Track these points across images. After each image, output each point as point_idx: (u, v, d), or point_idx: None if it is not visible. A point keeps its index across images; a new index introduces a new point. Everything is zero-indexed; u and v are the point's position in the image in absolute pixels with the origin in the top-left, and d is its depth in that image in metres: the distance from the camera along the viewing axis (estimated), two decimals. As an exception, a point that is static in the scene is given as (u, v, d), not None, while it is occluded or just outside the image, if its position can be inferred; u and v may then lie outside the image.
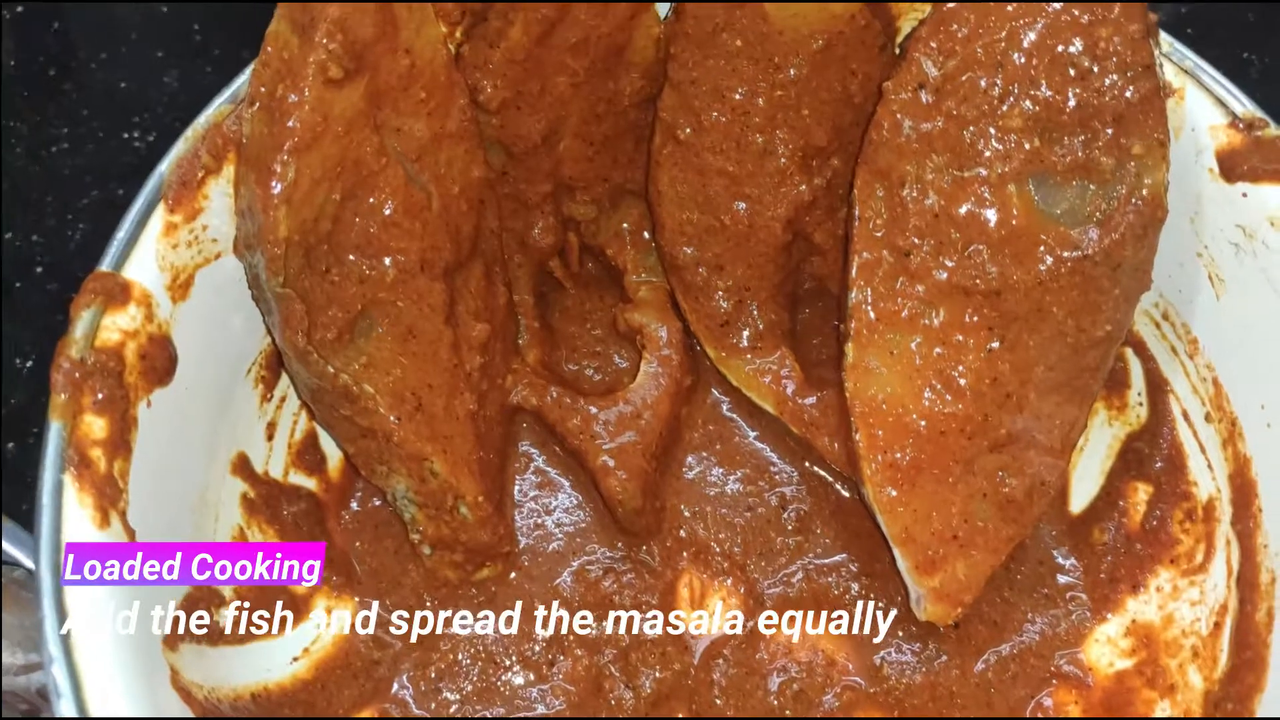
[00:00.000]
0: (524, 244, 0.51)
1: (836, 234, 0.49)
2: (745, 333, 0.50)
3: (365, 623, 0.47)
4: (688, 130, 0.46)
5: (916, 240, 0.44)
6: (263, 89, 0.39)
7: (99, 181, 0.60)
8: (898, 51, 0.46)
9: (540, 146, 0.47)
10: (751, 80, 0.45)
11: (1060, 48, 0.40)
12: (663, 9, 0.46)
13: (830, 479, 0.50)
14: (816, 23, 0.44)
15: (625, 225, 0.52)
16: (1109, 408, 0.50)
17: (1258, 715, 0.39)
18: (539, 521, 0.50)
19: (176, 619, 0.39)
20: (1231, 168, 0.41)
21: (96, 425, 0.35)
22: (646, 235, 0.52)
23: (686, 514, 0.50)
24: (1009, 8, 0.40)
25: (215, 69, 0.62)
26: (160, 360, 0.38)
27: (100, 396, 0.35)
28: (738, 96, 0.45)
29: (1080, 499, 0.50)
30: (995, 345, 0.44)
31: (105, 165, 0.60)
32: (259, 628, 0.44)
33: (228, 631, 0.42)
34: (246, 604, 0.44)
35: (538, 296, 0.52)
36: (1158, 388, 0.48)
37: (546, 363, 0.52)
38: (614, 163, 0.50)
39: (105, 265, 0.37)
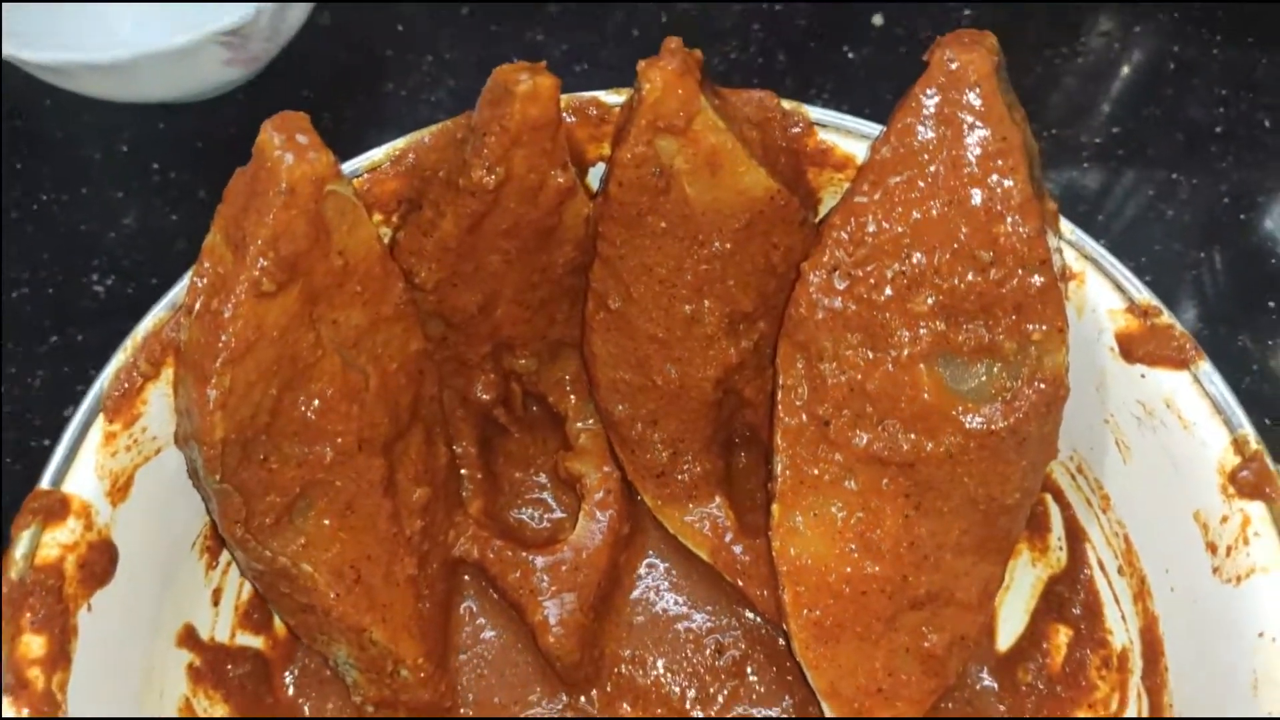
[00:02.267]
0: (466, 400, 0.52)
1: (766, 389, 0.51)
2: (681, 482, 0.52)
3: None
4: (617, 301, 0.48)
5: (834, 410, 0.45)
6: (199, 300, 0.40)
7: (58, 326, 0.61)
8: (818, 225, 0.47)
9: (478, 315, 0.49)
10: (677, 256, 0.47)
11: (961, 242, 0.41)
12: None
13: (765, 626, 0.52)
14: (738, 204, 0.45)
15: (566, 375, 0.54)
16: (1032, 549, 0.52)
17: None
18: (481, 673, 0.51)
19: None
20: (1130, 350, 0.43)
21: (35, 644, 0.36)
22: (585, 384, 0.53)
23: (626, 657, 0.52)
24: (912, 205, 0.42)
25: (173, 208, 0.64)
26: (100, 565, 0.40)
27: (40, 615, 0.37)
28: (664, 271, 0.47)
29: (1007, 636, 0.51)
30: (912, 512, 0.46)
31: (65, 309, 0.62)
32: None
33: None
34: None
35: (481, 445, 0.54)
36: (1075, 535, 0.50)
37: (490, 511, 0.53)
38: (551, 322, 0.51)
39: (45, 482, 0.39)
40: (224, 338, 0.39)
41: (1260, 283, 0.63)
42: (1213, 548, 0.41)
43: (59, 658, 0.37)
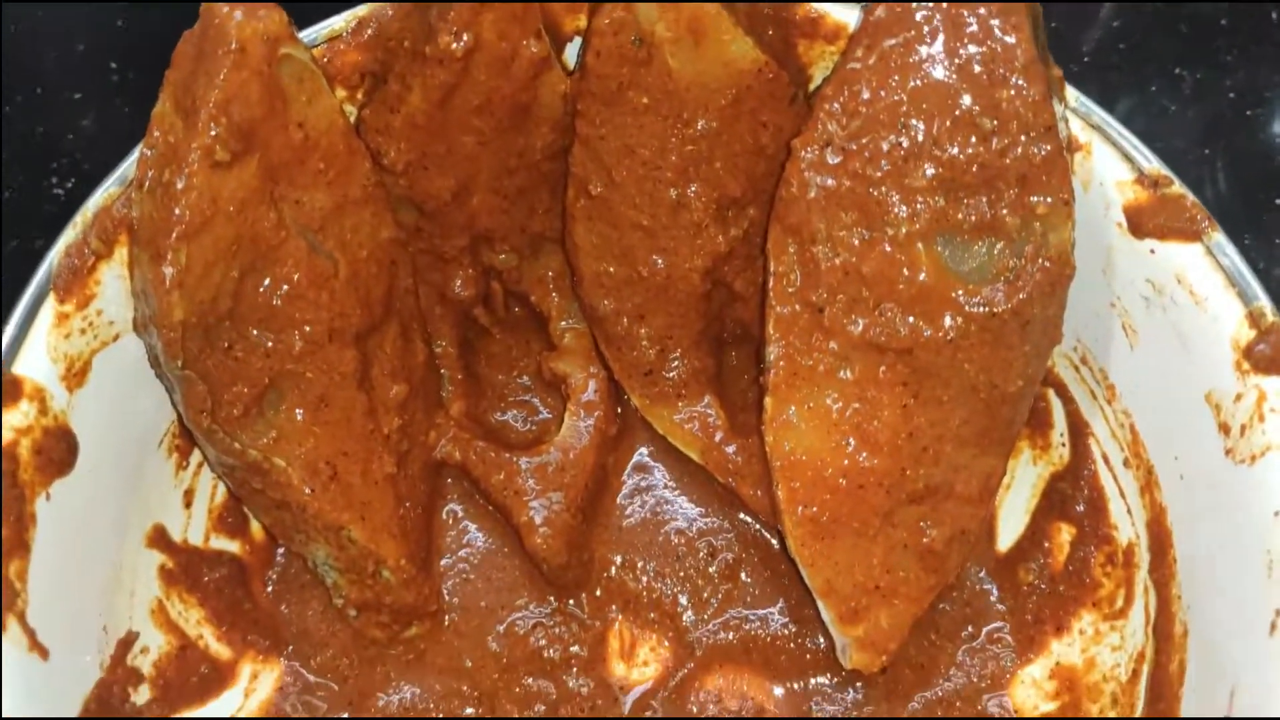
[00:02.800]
0: (444, 297, 0.50)
1: (757, 281, 0.49)
2: (669, 381, 0.50)
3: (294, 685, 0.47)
4: (599, 186, 0.46)
5: (829, 296, 0.43)
6: (150, 173, 0.38)
7: (19, 230, 0.59)
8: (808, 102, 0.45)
9: (452, 203, 0.47)
10: (661, 136, 0.44)
11: (961, 109, 0.39)
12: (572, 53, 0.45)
13: (758, 527, 0.50)
14: (723, 78, 0.43)
15: (549, 272, 0.51)
16: (1033, 446, 0.50)
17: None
18: (467, 578, 0.49)
19: (86, 707, 0.38)
20: (1139, 224, 0.41)
21: (-13, 531, 0.35)
22: (569, 281, 0.51)
23: (616, 563, 0.50)
24: (910, 70, 0.39)
25: (133, 108, 0.61)
26: (58, 451, 0.38)
27: (-9, 501, 0.35)
28: (647, 153, 0.45)
29: (1007, 537, 0.50)
30: (910, 401, 0.44)
31: (25, 214, 0.59)
32: (181, 701, 0.44)
33: (146, 710, 0.42)
34: (165, 679, 0.44)
35: (462, 346, 0.52)
36: (1078, 430, 0.48)
37: (472, 414, 0.51)
38: (531, 213, 0.49)
39: (-7, 363, 0.37)
40: (178, 211, 0.37)
41: (1265, 182, 0.61)
42: (1225, 428, 0.39)
43: (15, 545, 0.36)
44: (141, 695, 0.43)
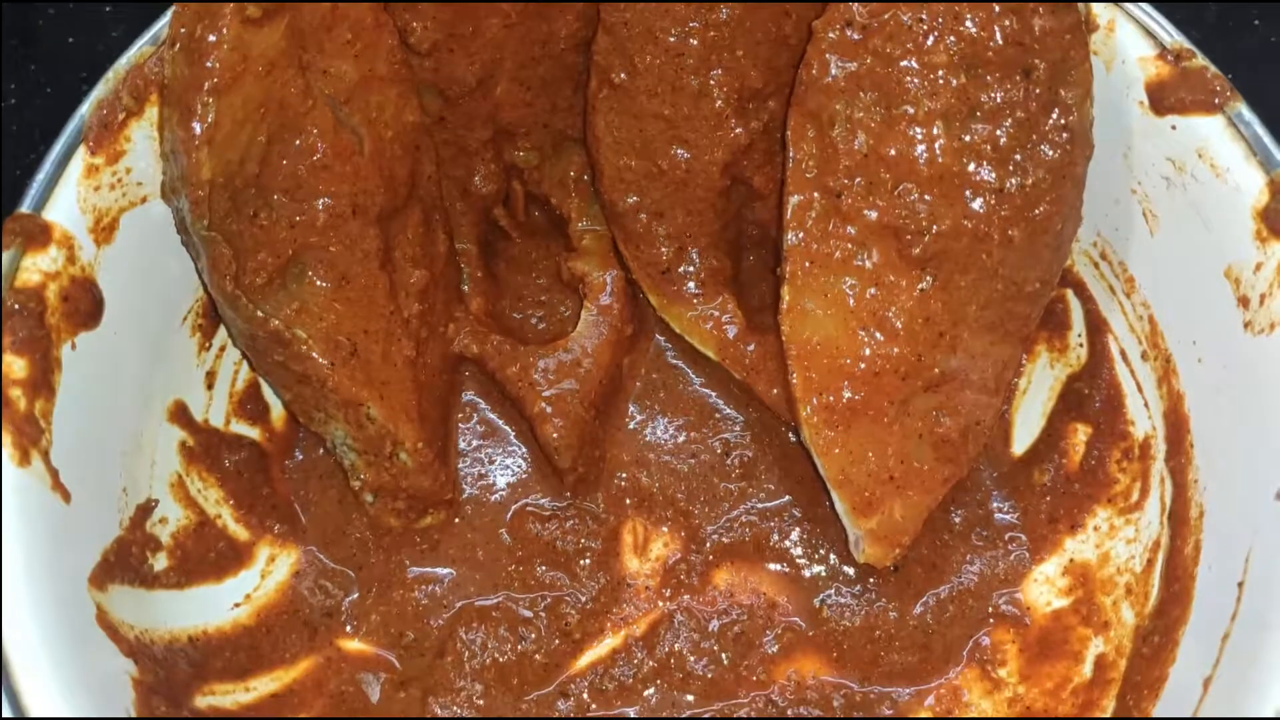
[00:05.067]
0: (466, 192, 0.51)
1: (776, 178, 0.49)
2: (687, 280, 0.50)
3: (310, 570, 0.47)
4: (622, 75, 0.46)
5: (847, 181, 0.43)
6: (182, 29, 0.39)
7: (47, 137, 0.59)
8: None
9: (476, 90, 0.47)
10: (684, 21, 0.45)
11: (983, -19, 0.39)
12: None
13: (774, 424, 0.50)
14: (748, -38, 0.43)
15: (570, 173, 0.52)
16: (1050, 349, 0.50)
17: (1181, 645, 0.39)
18: (483, 471, 0.50)
19: (105, 559, 0.39)
20: (1160, 99, 0.41)
21: (16, 365, 0.35)
22: (589, 182, 0.52)
23: (629, 461, 0.50)
24: (932, -59, 0.39)
25: (164, 13, 0.62)
26: (84, 303, 0.38)
27: (20, 336, 0.35)
28: (671, 39, 0.45)
29: (1022, 441, 0.50)
30: (926, 285, 0.44)
31: (53, 121, 0.60)
32: (197, 574, 0.45)
33: (162, 577, 0.43)
34: (182, 550, 0.44)
35: (483, 245, 0.52)
36: (1096, 328, 0.48)
37: (491, 311, 0.52)
38: (553, 108, 0.49)
39: (25, 207, 0.37)
40: (210, 64, 0.38)
41: None
42: (1244, 301, 0.39)
43: (41, 385, 0.36)
44: (159, 562, 0.44)
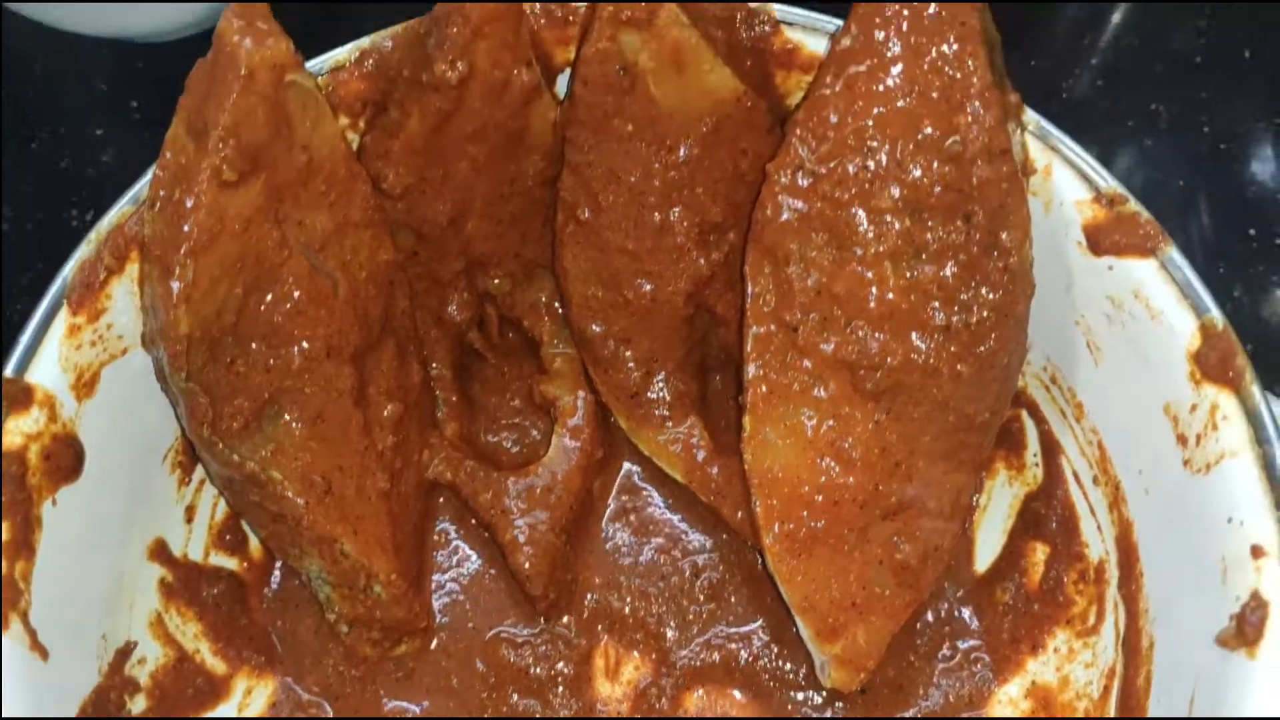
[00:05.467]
0: (440, 320, 0.52)
1: (738, 305, 0.51)
2: (655, 403, 0.51)
3: (286, 701, 0.48)
4: (587, 211, 0.48)
5: (802, 316, 0.45)
6: (161, 192, 0.40)
7: (39, 260, 0.61)
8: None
9: (448, 228, 0.49)
10: (645, 162, 0.47)
11: (923, 134, 0.41)
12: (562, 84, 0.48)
13: (741, 547, 0.51)
14: (704, 107, 0.45)
15: (541, 298, 0.53)
16: (1008, 467, 0.51)
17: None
18: (457, 598, 0.51)
19: (82, 711, 0.40)
20: (1097, 241, 0.42)
21: (-4, 527, 0.36)
22: (560, 307, 0.53)
23: (601, 584, 0.51)
24: (874, 97, 0.41)
25: (151, 143, 0.64)
26: (65, 458, 0.40)
27: (2, 500, 0.37)
28: (632, 178, 0.47)
29: (984, 558, 0.51)
30: (881, 417, 0.45)
31: (46, 244, 0.62)
32: (175, 712, 0.45)
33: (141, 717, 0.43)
34: (161, 690, 0.45)
35: (457, 369, 0.54)
36: (1050, 449, 0.49)
37: (465, 435, 0.53)
38: (523, 239, 0.51)
39: (9, 371, 0.39)
40: (187, 227, 0.39)
41: (1241, 214, 0.63)
42: (1183, 439, 0.40)
43: (22, 546, 0.37)
44: (138, 704, 0.44)
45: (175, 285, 0.40)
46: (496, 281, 0.52)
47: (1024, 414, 0.50)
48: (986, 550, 0.51)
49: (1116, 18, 0.69)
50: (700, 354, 0.52)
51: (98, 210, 0.62)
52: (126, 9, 0.60)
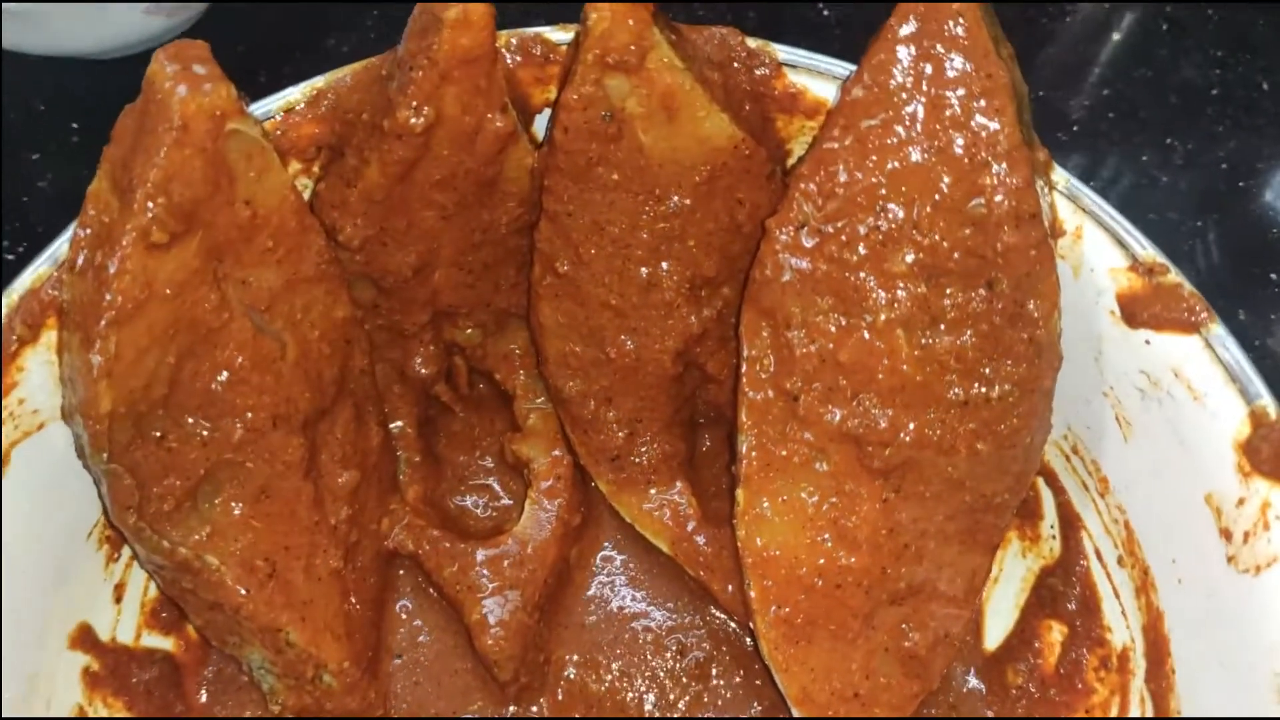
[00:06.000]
0: (404, 375, 0.48)
1: (730, 363, 0.46)
2: (638, 466, 0.47)
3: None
4: (566, 264, 0.43)
5: (804, 384, 0.41)
6: (82, 253, 0.36)
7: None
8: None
9: (412, 279, 0.44)
10: (631, 213, 0.42)
11: (942, 194, 0.37)
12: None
13: (731, 624, 0.47)
14: (698, 154, 0.41)
15: (514, 348, 0.49)
16: (1022, 538, 0.47)
17: None
18: (418, 680, 0.46)
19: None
20: (1133, 313, 0.38)
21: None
22: (535, 359, 0.49)
23: (577, 664, 0.47)
24: (888, 152, 0.37)
25: (93, 171, 0.59)
26: (-32, 551, 0.35)
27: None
28: (617, 230, 0.42)
29: (995, 634, 0.47)
30: (891, 495, 0.41)
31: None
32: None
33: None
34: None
35: (421, 425, 0.49)
36: (1070, 522, 0.45)
37: (429, 498, 0.49)
38: (496, 288, 0.47)
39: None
40: (109, 296, 0.34)
41: (1260, 255, 0.59)
42: (1227, 534, 0.36)
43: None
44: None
45: (96, 359, 0.35)
46: (467, 332, 0.48)
47: (1040, 482, 0.46)
48: (997, 625, 0.47)
49: (1127, 44, 0.65)
50: (688, 412, 0.48)
51: (32, 244, 0.57)
52: (70, 24, 0.54)
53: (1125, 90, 0.64)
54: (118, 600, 0.44)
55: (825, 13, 0.65)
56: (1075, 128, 0.62)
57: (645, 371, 0.45)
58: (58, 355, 0.37)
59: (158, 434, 0.38)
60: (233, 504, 0.40)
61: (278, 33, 0.63)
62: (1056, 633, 0.46)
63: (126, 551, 0.44)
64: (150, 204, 0.34)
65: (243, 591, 0.40)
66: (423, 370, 0.47)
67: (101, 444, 0.36)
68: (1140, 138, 0.63)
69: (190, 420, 0.38)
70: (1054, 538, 0.46)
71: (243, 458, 0.40)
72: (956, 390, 0.39)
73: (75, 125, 0.61)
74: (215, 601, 0.40)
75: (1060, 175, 0.39)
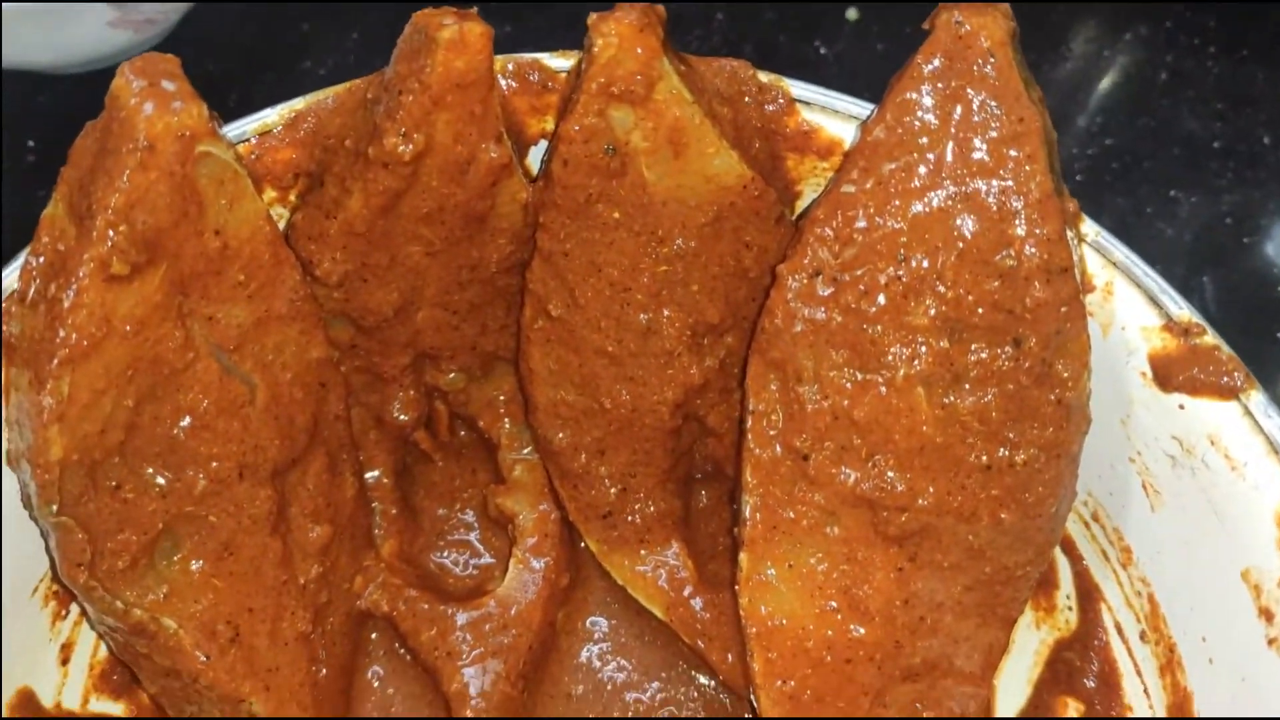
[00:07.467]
0: (381, 421, 0.44)
1: (733, 416, 0.44)
2: (631, 524, 0.44)
3: None
4: (560, 307, 0.41)
5: (814, 443, 0.38)
6: (35, 284, 0.33)
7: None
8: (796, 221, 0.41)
9: (393, 319, 0.41)
10: (632, 254, 0.40)
11: (967, 244, 0.35)
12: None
13: (730, 697, 0.44)
14: (704, 194, 0.39)
15: (500, 395, 0.46)
16: (1036, 608, 0.45)
17: None
18: (389, 751, 0.43)
19: None
20: (1166, 376, 0.36)
21: None
22: (523, 406, 0.46)
23: (563, 736, 0.44)
24: (911, 197, 0.35)
25: (48, 193, 0.56)
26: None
27: None
28: (616, 272, 0.40)
29: (1006, 709, 0.44)
30: (906, 564, 0.38)
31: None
32: None
33: None
34: None
35: (399, 474, 0.46)
36: (1088, 593, 0.43)
37: (405, 554, 0.45)
38: (483, 330, 0.44)
39: None
40: (63, 332, 0.31)
41: (1266, 310, 0.58)
42: (1268, 614, 0.34)
43: None
44: None
45: (47, 401, 0.32)
46: (450, 376, 0.45)
47: (1056, 550, 0.44)
48: (1008, 701, 0.44)
49: (1128, 95, 0.64)
50: (686, 467, 0.45)
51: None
52: (28, 36, 0.52)
53: (1127, 141, 0.63)
54: (64, 662, 0.40)
55: (822, 50, 0.63)
56: (1078, 177, 0.61)
57: (641, 423, 0.42)
58: (4, 395, 0.34)
59: (113, 484, 0.35)
60: (193, 561, 0.37)
61: (251, 53, 0.61)
62: (1073, 710, 0.43)
63: (74, 608, 0.40)
64: (111, 232, 0.31)
65: (202, 658, 0.36)
66: (401, 416, 0.44)
67: (51, 494, 0.33)
68: (1144, 190, 0.62)
69: (149, 469, 0.35)
70: (1070, 609, 0.44)
71: (205, 511, 0.37)
72: (979, 454, 0.37)
73: (31, 144, 0.58)
74: (172, 668, 0.36)
75: (1090, 227, 0.37)
